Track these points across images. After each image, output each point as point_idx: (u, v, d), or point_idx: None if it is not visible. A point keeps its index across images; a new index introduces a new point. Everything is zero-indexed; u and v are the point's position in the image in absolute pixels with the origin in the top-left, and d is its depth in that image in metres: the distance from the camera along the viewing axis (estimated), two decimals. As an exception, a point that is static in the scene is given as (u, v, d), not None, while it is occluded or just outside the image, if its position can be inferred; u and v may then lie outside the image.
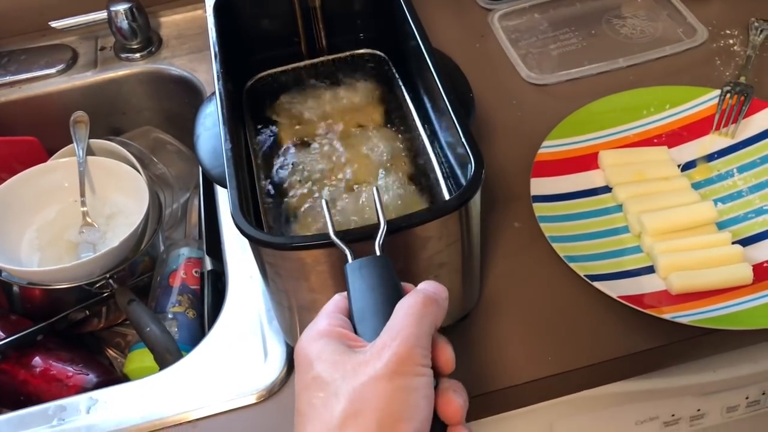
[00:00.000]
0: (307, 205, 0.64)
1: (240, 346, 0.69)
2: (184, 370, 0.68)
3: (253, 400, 0.65)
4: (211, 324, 0.81)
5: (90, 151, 0.90)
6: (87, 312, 0.84)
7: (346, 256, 0.50)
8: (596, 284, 0.65)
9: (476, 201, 0.56)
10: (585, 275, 0.66)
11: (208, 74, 0.96)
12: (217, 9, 0.73)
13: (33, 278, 0.79)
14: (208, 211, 0.90)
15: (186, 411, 0.64)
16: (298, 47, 0.80)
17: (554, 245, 0.69)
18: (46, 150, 0.95)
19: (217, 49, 0.69)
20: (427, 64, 0.65)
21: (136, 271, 0.88)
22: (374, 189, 0.53)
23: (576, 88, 0.87)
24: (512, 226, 0.74)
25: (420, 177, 0.66)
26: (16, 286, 0.83)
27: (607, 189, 0.76)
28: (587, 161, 0.78)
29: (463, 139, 0.57)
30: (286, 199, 0.66)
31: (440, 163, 0.66)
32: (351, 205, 0.64)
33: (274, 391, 0.65)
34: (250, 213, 0.55)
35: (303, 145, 0.70)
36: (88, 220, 0.86)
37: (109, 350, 0.89)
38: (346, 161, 0.68)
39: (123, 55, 0.99)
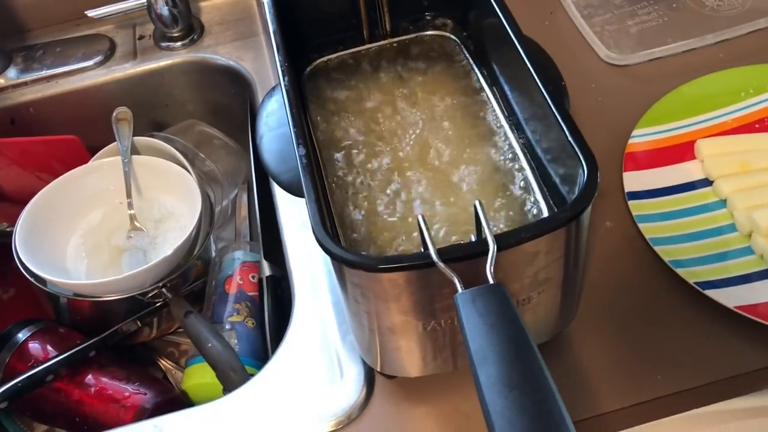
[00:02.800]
0: (382, 211, 0.58)
1: (311, 365, 0.63)
2: (252, 394, 0.62)
3: (330, 427, 0.59)
4: (273, 334, 0.76)
5: (134, 150, 0.84)
6: (139, 323, 0.79)
7: (453, 282, 0.44)
8: (709, 293, 0.59)
9: (589, 210, 0.49)
10: (695, 282, 0.59)
11: (256, 62, 0.90)
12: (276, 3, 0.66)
13: (81, 290, 0.74)
14: (263, 210, 0.84)
15: (259, 440, 0.59)
16: (359, 30, 0.73)
17: (657, 248, 0.62)
18: (88, 148, 0.90)
19: (278, 40, 0.62)
20: (516, 50, 0.58)
21: (189, 278, 0.83)
22: (477, 203, 0.47)
23: (660, 68, 0.80)
24: (604, 227, 0.68)
25: (507, 181, 0.59)
26: (63, 297, 0.78)
27: (706, 182, 0.69)
28: (683, 151, 0.71)
29: (570, 138, 0.50)
30: (357, 202, 0.59)
31: (531, 165, 0.59)
32: (429, 214, 0.57)
33: (353, 417, 0.60)
34: (329, 227, 0.49)
35: (368, 138, 0.64)
36: (136, 224, 0.81)
37: (162, 361, 0.84)
38: (418, 162, 0.61)
39: (163, 44, 0.93)
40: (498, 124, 0.63)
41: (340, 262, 0.47)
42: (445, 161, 0.61)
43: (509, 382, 0.38)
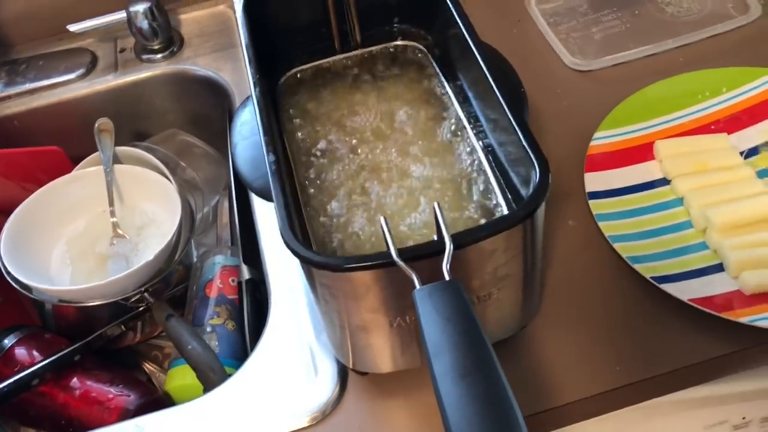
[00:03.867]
0: (352, 215, 0.61)
1: (287, 364, 0.65)
2: (231, 392, 0.65)
3: (305, 423, 0.62)
4: (252, 335, 0.78)
5: (116, 159, 0.86)
6: (123, 327, 0.82)
7: (411, 280, 0.46)
8: (664, 287, 0.61)
9: (542, 208, 0.52)
10: (651, 277, 0.62)
11: (234, 73, 0.92)
12: (247, 7, 0.69)
13: (65, 297, 0.76)
14: (242, 216, 0.87)
15: (237, 436, 0.61)
16: (330, 42, 0.75)
17: (616, 245, 0.65)
18: (71, 158, 0.92)
19: (250, 53, 0.65)
20: (475, 57, 0.61)
21: (170, 282, 0.85)
22: (435, 204, 0.50)
23: (623, 73, 0.83)
24: (566, 225, 0.70)
25: (471, 185, 0.62)
26: (48, 303, 0.80)
27: (665, 181, 0.72)
28: (642, 152, 0.74)
29: (524, 142, 0.53)
30: (328, 207, 0.62)
31: (492, 168, 0.62)
32: (396, 215, 0.60)
33: (327, 413, 0.62)
34: (297, 230, 0.52)
35: (340, 146, 0.67)
36: (119, 231, 0.83)
37: (146, 364, 0.86)
38: (387, 165, 0.64)
39: (144, 57, 0.95)
40: (462, 130, 0.66)
41: (307, 264, 0.49)
42: (412, 166, 0.64)
43: (461, 372, 0.41)
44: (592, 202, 0.68)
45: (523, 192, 0.58)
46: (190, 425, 0.63)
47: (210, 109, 0.97)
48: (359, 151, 0.66)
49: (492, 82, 0.58)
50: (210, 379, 0.70)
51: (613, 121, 0.75)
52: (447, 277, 0.46)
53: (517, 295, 0.57)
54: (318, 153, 0.66)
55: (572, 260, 0.68)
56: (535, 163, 0.51)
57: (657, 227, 0.68)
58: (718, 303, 0.61)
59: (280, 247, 0.67)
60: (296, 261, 0.50)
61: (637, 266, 0.63)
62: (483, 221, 0.59)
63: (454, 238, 0.48)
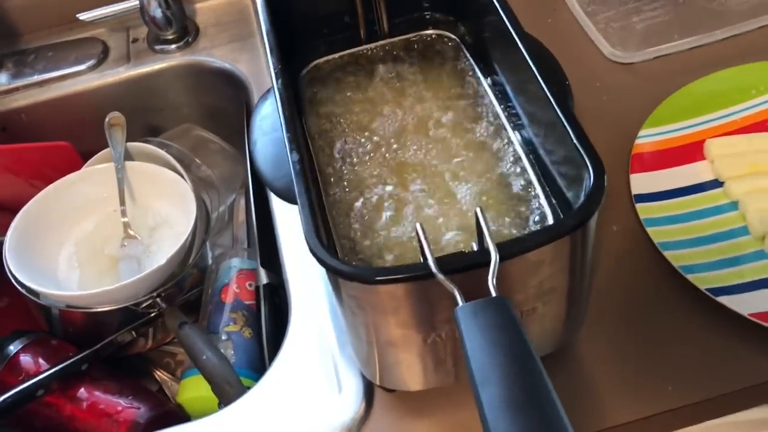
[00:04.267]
0: (381, 219, 0.56)
1: (309, 378, 0.61)
2: (248, 408, 0.60)
3: (333, 442, 0.57)
4: (270, 344, 0.74)
5: (128, 156, 0.82)
6: (134, 334, 0.77)
7: (453, 295, 0.41)
8: (721, 299, 0.56)
9: (595, 216, 0.47)
10: (707, 289, 0.57)
11: (252, 65, 0.88)
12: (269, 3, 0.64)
13: (73, 302, 0.72)
14: (260, 216, 0.82)
15: (255, 457, 0.57)
16: (356, 31, 0.71)
17: (666, 253, 0.60)
18: (81, 154, 0.88)
19: (272, 41, 0.60)
20: (517, 47, 0.55)
21: (184, 287, 0.80)
22: (478, 210, 0.45)
23: (667, 66, 0.77)
24: (610, 230, 0.65)
25: (510, 186, 0.57)
26: (55, 308, 0.76)
27: (716, 183, 0.66)
28: (691, 152, 0.68)
29: (575, 140, 0.48)
30: (353, 210, 0.57)
31: (534, 169, 0.57)
32: (429, 221, 0.55)
33: (356, 430, 0.57)
34: (323, 236, 0.47)
35: (366, 144, 0.62)
36: (130, 232, 0.79)
37: (158, 372, 0.82)
38: (417, 165, 0.59)
39: (157, 47, 0.91)
40: (500, 127, 0.61)
41: (334, 274, 0.45)
42: (445, 167, 0.59)
43: (513, 404, 0.36)
44: (639, 206, 0.63)
45: (569, 195, 0.53)
46: (205, 444, 0.58)
47: (226, 102, 0.92)
48: (385, 149, 0.61)
49: (538, 75, 0.53)
50: (226, 392, 0.65)
51: (659, 117, 0.70)
52: (493, 293, 0.41)
53: (562, 309, 0.52)
54: (342, 151, 0.62)
55: (617, 269, 0.63)
56: (589, 165, 0.46)
57: (710, 233, 0.62)
58: (780, 319, 0.56)
59: (301, 249, 0.62)
60: (319, 267, 0.45)
61: (690, 276, 0.58)
62: (527, 228, 0.54)
63: (500, 248, 0.43)
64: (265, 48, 0.60)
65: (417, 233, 0.45)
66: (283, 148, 0.53)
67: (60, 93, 0.89)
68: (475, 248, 0.47)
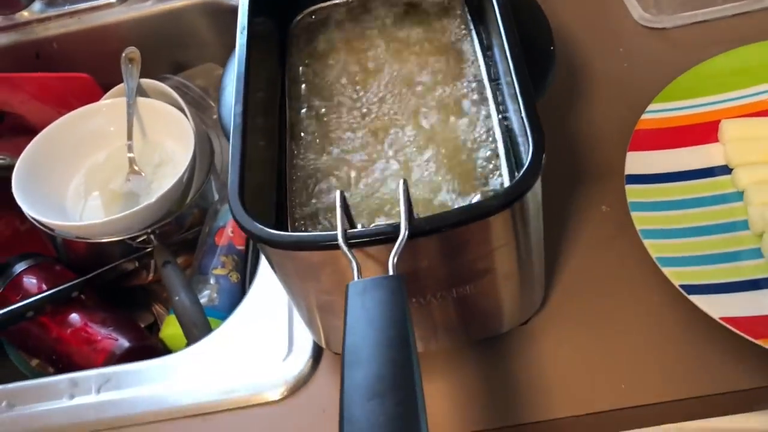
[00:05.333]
0: (338, 178, 0.54)
1: (265, 331, 0.61)
2: (202, 354, 0.61)
3: (275, 396, 0.57)
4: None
5: (142, 92, 0.83)
6: (137, 263, 0.80)
7: (351, 268, 0.40)
8: (694, 299, 0.51)
9: (534, 194, 0.43)
10: (680, 285, 0.52)
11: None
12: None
13: (65, 231, 0.74)
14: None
15: (198, 402, 0.58)
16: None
17: (645, 242, 0.55)
18: (109, 85, 0.89)
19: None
20: (493, 6, 0.51)
21: (184, 224, 0.82)
22: (401, 182, 0.42)
23: (703, 34, 0.70)
24: (599, 210, 0.61)
25: (475, 153, 0.53)
26: (58, 236, 0.79)
27: (726, 170, 0.60)
28: (705, 132, 0.62)
29: (523, 112, 0.44)
30: (313, 165, 0.55)
31: (504, 138, 0.53)
32: (387, 182, 0.53)
33: (297, 388, 0.57)
34: (246, 196, 0.45)
35: (344, 100, 0.59)
36: (135, 167, 0.80)
37: (156, 306, 0.84)
38: (390, 124, 0.57)
39: (184, -17, 0.90)
40: (482, 91, 0.57)
41: (251, 237, 0.43)
42: (422, 129, 0.56)
43: (371, 389, 0.34)
44: (629, 187, 0.58)
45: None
46: (156, 384, 0.60)
47: (250, 43, 0.91)
48: (367, 105, 0.59)
49: (504, 36, 0.49)
50: (192, 334, 0.66)
51: (675, 91, 0.63)
52: (391, 272, 0.39)
53: (504, 291, 0.49)
54: (318, 107, 0.60)
55: (597, 252, 0.59)
56: (530, 139, 0.43)
57: (703, 224, 0.57)
58: (763, 327, 0.50)
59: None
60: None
61: (667, 270, 0.53)
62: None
63: (413, 224, 0.40)
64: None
65: (336, 200, 0.43)
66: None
67: (89, 24, 0.91)
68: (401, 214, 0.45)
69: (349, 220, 0.44)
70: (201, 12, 0.90)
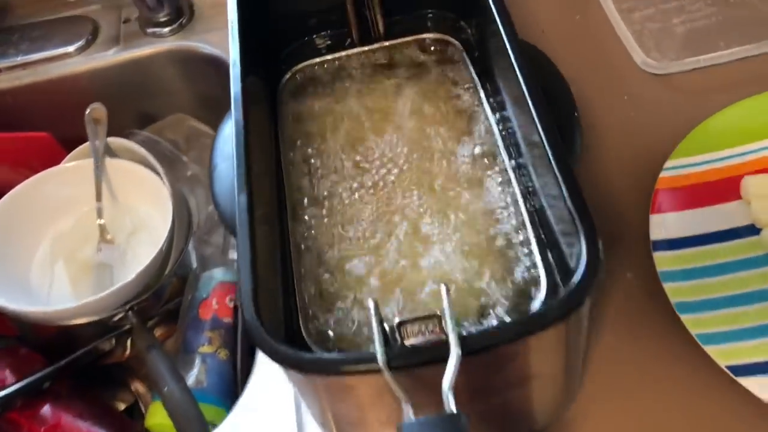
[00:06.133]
0: (353, 273, 0.49)
1: (272, 422, 0.55)
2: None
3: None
4: (244, 370, 0.68)
5: (110, 151, 0.76)
6: (113, 341, 0.73)
7: (400, 402, 0.35)
8: (743, 381, 0.48)
9: (587, 304, 0.39)
10: (727, 366, 0.49)
11: (248, 54, 0.80)
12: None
13: (39, 319, 0.67)
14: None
15: None
16: (347, 31, 0.62)
17: (684, 317, 0.51)
18: (70, 141, 0.81)
19: (238, 34, 0.53)
20: (511, 65, 0.47)
21: (162, 296, 0.75)
22: (442, 288, 0.37)
23: (710, 79, 0.68)
24: (624, 278, 0.57)
25: (501, 238, 0.49)
26: (24, 317, 0.72)
27: (753, 230, 0.57)
28: (724, 189, 0.59)
29: (568, 200, 0.40)
30: (323, 254, 0.50)
31: (533, 219, 0.49)
32: (406, 275, 0.48)
33: (312, 496, 0.52)
34: (263, 306, 0.40)
35: (348, 167, 0.54)
36: (107, 236, 0.73)
37: (135, 383, 0.77)
38: (400, 204, 0.52)
39: (149, 30, 0.84)
40: (501, 163, 0.53)
41: (276, 360, 0.38)
42: (435, 202, 0.51)
43: None
44: (657, 255, 0.55)
45: (567, 253, 0.45)
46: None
47: (221, 92, 0.85)
48: (368, 179, 0.54)
49: (533, 107, 0.44)
50: (185, 430, 0.60)
51: (691, 145, 0.60)
52: (449, 406, 0.34)
53: (545, 392, 0.45)
54: (320, 182, 0.54)
55: (629, 328, 0.55)
56: (582, 239, 0.38)
57: (738, 293, 0.53)
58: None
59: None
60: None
61: (709, 349, 0.50)
62: (510, 288, 0.46)
63: (466, 343, 0.35)
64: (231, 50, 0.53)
65: (370, 313, 0.38)
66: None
67: (46, 77, 0.83)
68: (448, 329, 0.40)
69: (383, 331, 0.39)
70: (168, 60, 0.84)
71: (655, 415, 0.50)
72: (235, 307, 0.72)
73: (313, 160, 0.56)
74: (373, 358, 0.36)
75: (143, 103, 0.87)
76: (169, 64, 0.84)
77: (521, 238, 0.48)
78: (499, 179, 0.52)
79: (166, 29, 0.83)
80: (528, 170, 0.50)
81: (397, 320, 0.37)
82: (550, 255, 0.46)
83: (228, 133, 0.54)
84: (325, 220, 0.52)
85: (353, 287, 0.48)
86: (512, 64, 0.47)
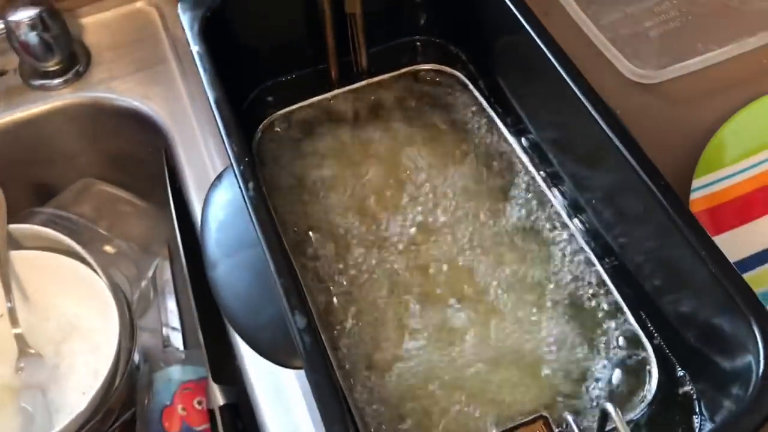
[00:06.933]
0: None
1: None
2: None
3: None
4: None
5: (13, 243, 0.61)
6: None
7: None
8: None
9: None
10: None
11: (167, 100, 0.67)
12: (204, 31, 0.45)
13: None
14: (200, 298, 0.63)
15: None
16: (322, 69, 0.52)
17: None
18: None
19: (219, 103, 0.42)
20: (572, 92, 0.40)
21: (112, 411, 0.61)
22: (609, 406, 0.29)
23: (699, 84, 0.63)
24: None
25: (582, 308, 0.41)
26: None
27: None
28: (758, 200, 0.55)
29: (734, 294, 0.33)
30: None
31: (616, 284, 0.41)
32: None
33: None
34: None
35: (350, 237, 0.45)
36: (29, 350, 0.58)
37: None
38: (430, 287, 0.43)
39: (36, 83, 0.68)
40: (545, 210, 0.45)
41: None
42: (476, 285, 0.42)
43: None
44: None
45: (673, 315, 0.38)
46: None
47: (136, 147, 0.71)
48: (381, 249, 0.44)
49: (609, 133, 0.38)
50: None
51: (711, 161, 0.56)
52: None
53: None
54: (318, 254, 0.44)
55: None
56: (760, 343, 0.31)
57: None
58: None
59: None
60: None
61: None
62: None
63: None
64: (189, 80, 0.42)
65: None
66: (260, 278, 0.36)
67: None
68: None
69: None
70: (65, 118, 0.69)
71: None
72: (210, 411, 0.59)
73: (301, 237, 0.45)
74: None
75: (40, 170, 0.71)
76: (66, 122, 0.69)
77: (605, 307, 0.41)
78: (555, 232, 0.44)
79: (58, 80, 0.68)
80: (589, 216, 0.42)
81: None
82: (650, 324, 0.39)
83: (222, 216, 0.42)
84: (357, 327, 0.41)
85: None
86: (572, 90, 0.40)
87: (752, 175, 0.56)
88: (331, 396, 0.30)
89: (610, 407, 0.29)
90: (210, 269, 0.41)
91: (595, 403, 0.37)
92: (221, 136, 0.40)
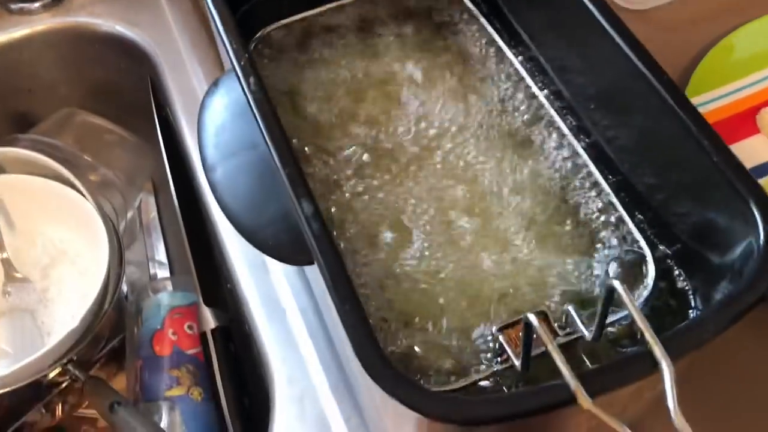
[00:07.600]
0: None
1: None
2: None
3: None
4: (232, 408, 0.56)
5: (-3, 166, 0.60)
6: (43, 411, 0.58)
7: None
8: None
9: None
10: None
11: (154, 26, 0.66)
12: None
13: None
14: (189, 226, 0.63)
15: None
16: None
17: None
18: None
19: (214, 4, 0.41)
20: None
21: (103, 337, 0.61)
22: (616, 283, 0.29)
23: (689, 11, 0.64)
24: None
25: (577, 209, 0.42)
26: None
27: (777, 165, 0.54)
28: (741, 124, 0.56)
29: (732, 178, 0.33)
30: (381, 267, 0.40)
31: (608, 180, 0.42)
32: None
33: None
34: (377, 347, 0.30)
35: (355, 153, 0.44)
36: (16, 274, 0.58)
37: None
38: (435, 191, 0.43)
39: (14, 6, 0.66)
40: (547, 119, 0.45)
41: (422, 411, 0.28)
42: (478, 189, 0.43)
43: None
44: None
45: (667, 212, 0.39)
46: None
47: (120, 76, 0.70)
48: (391, 162, 0.44)
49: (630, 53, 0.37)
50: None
51: (700, 82, 0.56)
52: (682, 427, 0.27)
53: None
54: (325, 166, 0.44)
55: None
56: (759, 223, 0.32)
57: None
58: None
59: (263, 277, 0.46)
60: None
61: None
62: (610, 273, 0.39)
63: (674, 347, 0.28)
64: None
65: (525, 331, 0.29)
66: (263, 178, 0.36)
67: None
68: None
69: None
70: (45, 44, 0.67)
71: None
72: (202, 335, 0.59)
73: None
74: (565, 388, 0.27)
75: (20, 99, 0.69)
76: (46, 49, 0.67)
77: (600, 204, 0.41)
78: (553, 138, 0.44)
79: (37, 4, 0.66)
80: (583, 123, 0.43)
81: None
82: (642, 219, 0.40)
83: (220, 120, 0.42)
84: (367, 219, 0.42)
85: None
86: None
87: (740, 97, 0.57)
88: (339, 276, 0.30)
89: (617, 284, 0.30)
90: (209, 172, 0.40)
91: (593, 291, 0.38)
92: (219, 35, 0.39)
